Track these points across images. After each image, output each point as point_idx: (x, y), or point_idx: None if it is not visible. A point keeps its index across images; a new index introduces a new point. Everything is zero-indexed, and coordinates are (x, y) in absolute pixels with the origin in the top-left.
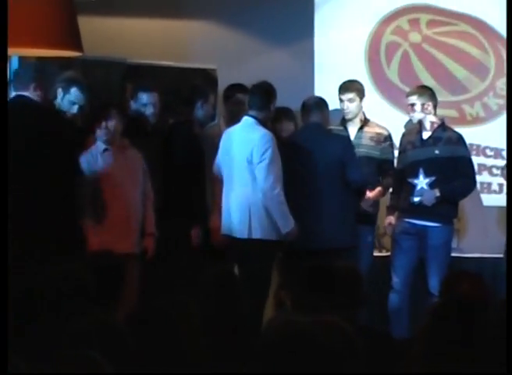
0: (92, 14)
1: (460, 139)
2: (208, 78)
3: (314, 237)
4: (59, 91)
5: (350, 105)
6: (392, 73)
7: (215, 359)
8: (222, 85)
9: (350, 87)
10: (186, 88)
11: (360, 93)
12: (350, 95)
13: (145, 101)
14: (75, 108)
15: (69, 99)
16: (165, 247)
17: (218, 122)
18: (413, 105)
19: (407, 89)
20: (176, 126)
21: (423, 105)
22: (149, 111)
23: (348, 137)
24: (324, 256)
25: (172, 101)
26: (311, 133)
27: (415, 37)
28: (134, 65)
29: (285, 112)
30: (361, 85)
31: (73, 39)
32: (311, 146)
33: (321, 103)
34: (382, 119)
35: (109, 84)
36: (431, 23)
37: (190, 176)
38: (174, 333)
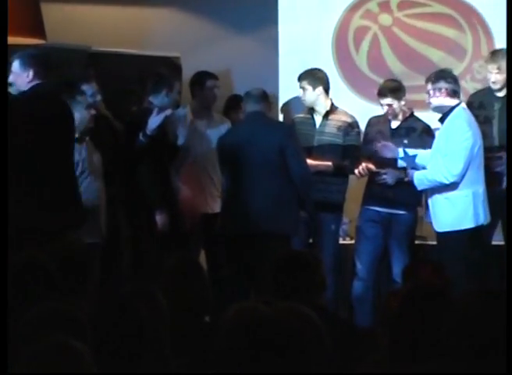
0: (55, 1)
1: (429, 130)
2: (171, 66)
3: (245, 224)
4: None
5: (303, 94)
6: (361, 59)
7: (178, 348)
8: (186, 73)
9: (302, 75)
10: (150, 77)
11: (313, 81)
12: (302, 84)
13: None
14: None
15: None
16: (133, 235)
17: (186, 110)
18: (390, 105)
19: (375, 77)
20: (139, 115)
21: (399, 101)
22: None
23: (289, 126)
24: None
25: (135, 90)
26: (251, 122)
27: (386, 19)
28: (98, 53)
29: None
30: (316, 73)
31: (36, 26)
32: (250, 135)
33: (262, 93)
34: (349, 107)
35: (72, 72)
36: (401, 5)
37: (153, 163)
38: (138, 321)
